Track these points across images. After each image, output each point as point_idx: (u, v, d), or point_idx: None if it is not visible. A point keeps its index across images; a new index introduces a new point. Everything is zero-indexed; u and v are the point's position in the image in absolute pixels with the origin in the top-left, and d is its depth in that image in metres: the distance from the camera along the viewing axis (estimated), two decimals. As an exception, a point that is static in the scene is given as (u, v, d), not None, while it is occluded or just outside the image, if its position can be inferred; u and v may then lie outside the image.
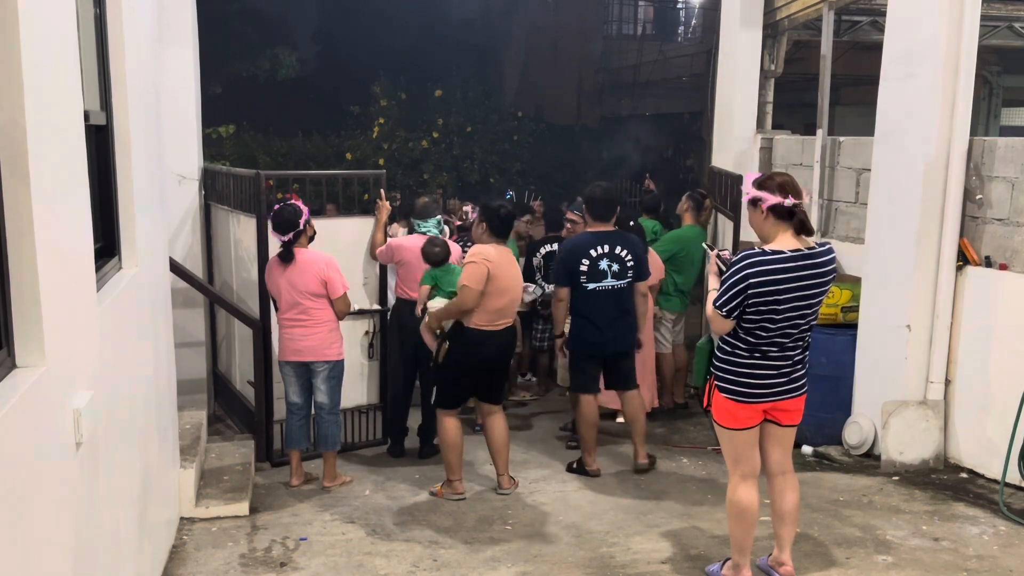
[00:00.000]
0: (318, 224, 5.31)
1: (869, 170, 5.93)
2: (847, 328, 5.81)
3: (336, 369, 5.12)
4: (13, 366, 2.04)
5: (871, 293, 5.66)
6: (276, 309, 5.23)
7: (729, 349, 3.59)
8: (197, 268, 6.70)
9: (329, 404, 5.11)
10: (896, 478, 5.27)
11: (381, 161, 12.59)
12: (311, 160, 12.77)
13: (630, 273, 5.22)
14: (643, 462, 5.39)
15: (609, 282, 5.15)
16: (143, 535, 3.44)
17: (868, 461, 5.55)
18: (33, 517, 1.98)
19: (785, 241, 3.48)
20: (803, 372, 3.66)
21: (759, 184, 3.55)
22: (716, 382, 3.65)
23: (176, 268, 5.80)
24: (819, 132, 6.56)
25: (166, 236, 4.77)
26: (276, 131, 13.45)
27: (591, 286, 5.14)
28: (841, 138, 6.51)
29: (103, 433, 2.68)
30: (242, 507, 4.69)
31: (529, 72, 17.25)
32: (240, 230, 6.03)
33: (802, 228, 3.48)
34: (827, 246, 3.59)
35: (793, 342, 3.54)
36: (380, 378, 6.04)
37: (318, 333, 5.02)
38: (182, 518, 4.57)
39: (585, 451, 5.34)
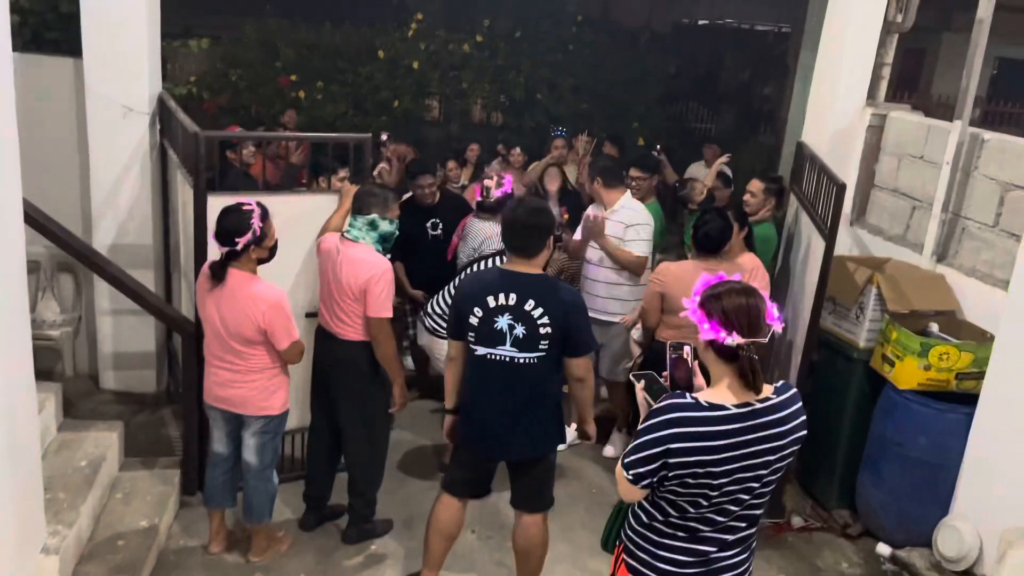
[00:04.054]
0: (277, 201, 3.98)
1: (1021, 187, 4.35)
2: (960, 402, 4.36)
3: (274, 424, 3.81)
4: None
5: (1007, 360, 4.13)
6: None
7: (646, 519, 2.52)
8: (147, 224, 5.44)
9: (258, 465, 3.82)
10: (1003, 623, 3.94)
11: (415, 64, 11.00)
12: (339, 56, 11.22)
13: (543, 345, 3.33)
14: None
15: (506, 351, 3.34)
16: None
17: (965, 585, 4.22)
18: None
19: (728, 389, 2.34)
20: (745, 557, 2.56)
21: (702, 300, 2.37)
22: (624, 555, 2.59)
23: (42, 228, 4.20)
24: (957, 122, 4.83)
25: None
26: (304, 17, 11.89)
27: (480, 351, 3.38)
28: (987, 134, 4.81)
29: None
30: (127, 601, 3.57)
31: (597, -35, 15.13)
32: (184, 192, 4.70)
33: (748, 378, 2.30)
34: (791, 392, 2.42)
35: (734, 520, 2.47)
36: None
37: (253, 382, 3.71)
38: (44, 615, 3.47)
39: (424, 564, 3.75)
